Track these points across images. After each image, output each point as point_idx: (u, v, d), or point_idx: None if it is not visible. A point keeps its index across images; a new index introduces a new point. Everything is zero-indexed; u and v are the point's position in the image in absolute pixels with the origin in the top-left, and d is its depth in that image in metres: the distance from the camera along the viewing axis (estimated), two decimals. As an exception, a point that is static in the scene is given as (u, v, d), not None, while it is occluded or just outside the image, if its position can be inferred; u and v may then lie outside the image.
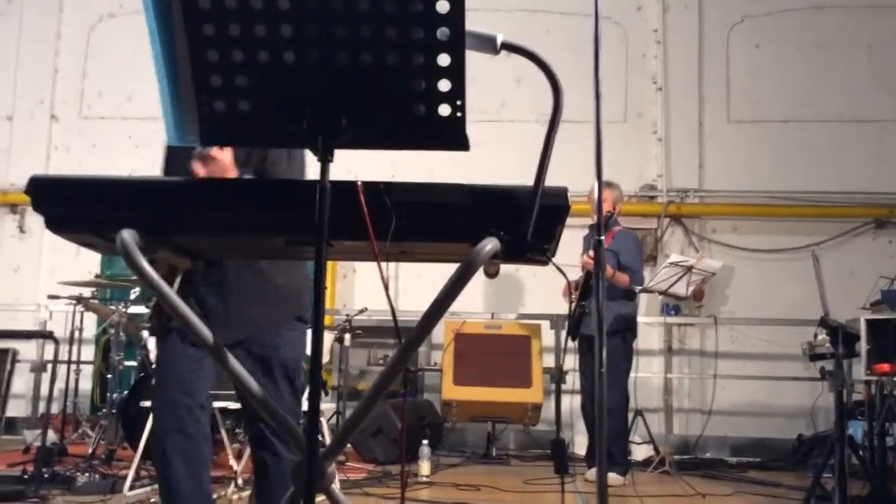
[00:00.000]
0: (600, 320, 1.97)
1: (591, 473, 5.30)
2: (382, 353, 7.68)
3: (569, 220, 1.62)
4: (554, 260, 1.67)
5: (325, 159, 1.52)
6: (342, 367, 6.51)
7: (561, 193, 1.61)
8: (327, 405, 4.55)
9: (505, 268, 1.78)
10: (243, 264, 2.56)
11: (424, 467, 5.20)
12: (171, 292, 1.58)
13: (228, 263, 2.56)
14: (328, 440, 4.52)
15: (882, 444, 4.04)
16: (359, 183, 1.58)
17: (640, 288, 5.34)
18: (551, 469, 5.62)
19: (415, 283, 6.42)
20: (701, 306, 7.55)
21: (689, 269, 5.49)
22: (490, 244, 1.52)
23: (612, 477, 5.14)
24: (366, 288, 7.80)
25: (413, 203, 1.60)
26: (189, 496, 2.46)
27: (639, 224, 7.66)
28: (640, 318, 7.44)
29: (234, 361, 1.60)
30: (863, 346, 3.74)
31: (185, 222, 1.62)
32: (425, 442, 5.25)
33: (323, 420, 4.67)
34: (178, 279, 2.39)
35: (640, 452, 6.30)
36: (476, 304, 7.47)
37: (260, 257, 2.39)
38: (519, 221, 1.58)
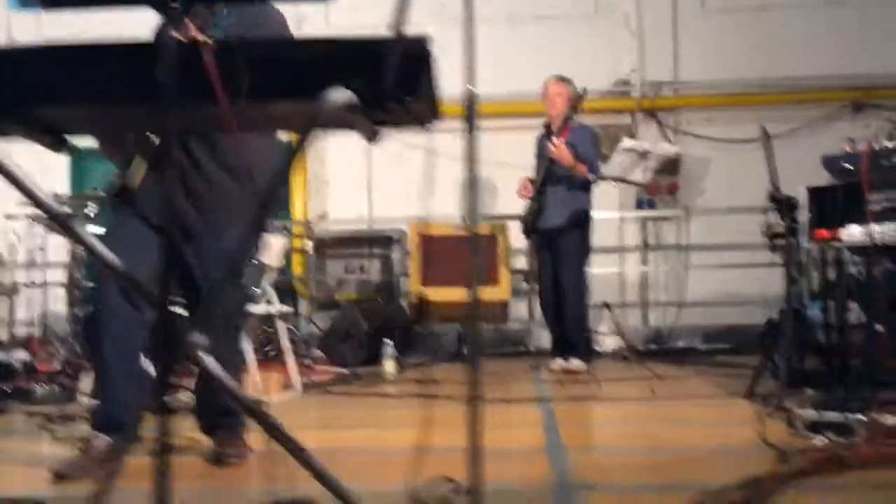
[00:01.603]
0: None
1: (556, 363, 5.35)
2: (358, 263, 7.69)
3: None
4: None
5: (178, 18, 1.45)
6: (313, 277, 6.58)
7: (421, 41, 1.53)
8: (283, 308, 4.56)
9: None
10: (205, 145, 2.57)
11: (388, 366, 5.21)
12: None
13: (191, 146, 2.58)
14: (285, 343, 4.53)
15: (840, 318, 4.01)
16: (203, 39, 1.50)
17: (594, 177, 5.25)
18: (522, 365, 5.67)
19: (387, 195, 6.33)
20: (676, 199, 7.49)
21: (645, 153, 5.39)
22: (338, 93, 1.45)
23: (576, 363, 5.22)
24: (339, 201, 7.74)
25: (265, 59, 1.53)
26: (118, 378, 2.46)
27: (612, 120, 7.53)
28: (616, 214, 7.44)
29: (83, 230, 1.54)
30: (805, 213, 3.74)
31: (29, 92, 1.55)
32: (388, 342, 5.25)
33: (283, 323, 4.67)
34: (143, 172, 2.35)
35: (607, 343, 6.35)
36: (451, 209, 7.38)
37: (122, 128, 2.30)
38: (378, 71, 1.51)
